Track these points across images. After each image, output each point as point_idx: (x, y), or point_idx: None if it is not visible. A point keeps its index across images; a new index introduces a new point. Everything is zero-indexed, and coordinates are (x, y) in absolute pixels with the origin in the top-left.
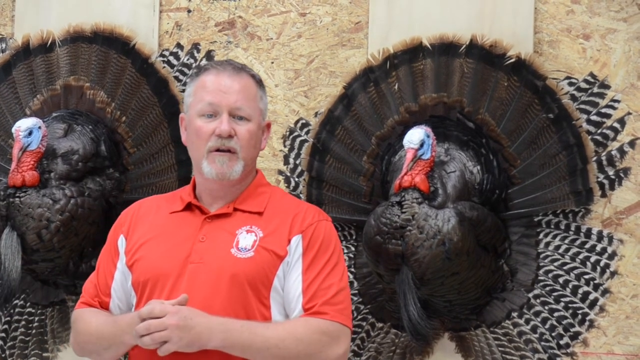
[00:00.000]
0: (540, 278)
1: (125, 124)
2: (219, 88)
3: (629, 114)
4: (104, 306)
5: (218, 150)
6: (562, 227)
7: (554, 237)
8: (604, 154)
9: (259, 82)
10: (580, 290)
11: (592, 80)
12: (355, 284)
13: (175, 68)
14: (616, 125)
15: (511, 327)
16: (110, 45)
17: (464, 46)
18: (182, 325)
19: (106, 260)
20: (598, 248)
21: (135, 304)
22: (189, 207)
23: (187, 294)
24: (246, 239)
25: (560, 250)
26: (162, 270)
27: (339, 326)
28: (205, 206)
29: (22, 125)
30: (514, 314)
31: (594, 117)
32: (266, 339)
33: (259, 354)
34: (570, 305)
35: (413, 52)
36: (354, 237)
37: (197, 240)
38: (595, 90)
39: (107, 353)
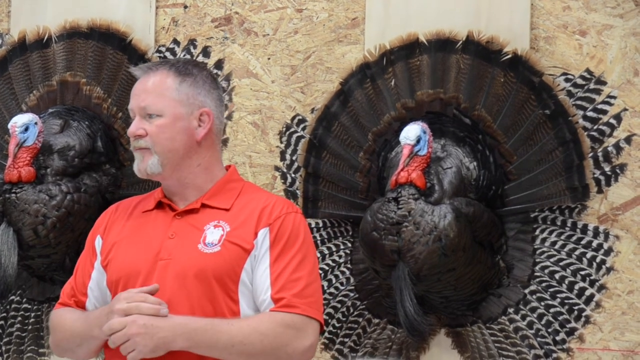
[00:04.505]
0: (536, 274)
1: (121, 120)
2: (132, 92)
3: (625, 110)
4: (80, 305)
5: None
6: (559, 223)
7: (550, 233)
8: (600, 150)
9: (183, 71)
10: (577, 287)
11: (589, 76)
12: (352, 279)
13: None
14: (612, 121)
15: (507, 323)
16: (106, 41)
17: (460, 42)
18: (142, 332)
19: (84, 260)
20: (594, 244)
21: None
22: (160, 205)
23: (158, 285)
24: (213, 234)
25: (557, 247)
26: (133, 268)
27: (305, 319)
28: (175, 204)
29: (19, 121)
30: (510, 310)
31: (590, 113)
32: (231, 336)
33: (225, 351)
34: (566, 301)
35: (409, 48)
36: (350, 233)
37: (167, 237)
38: (592, 86)
39: (81, 350)
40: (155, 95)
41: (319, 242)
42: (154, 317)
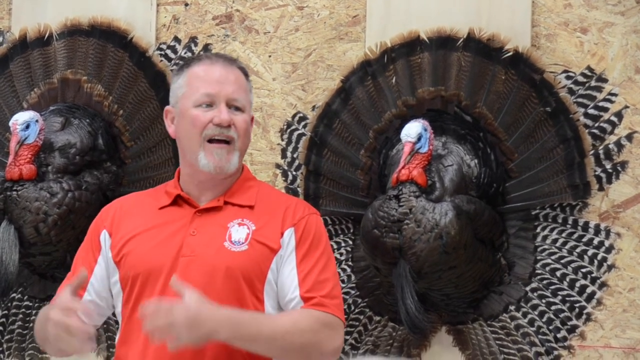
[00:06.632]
0: (537, 271)
1: (122, 118)
2: (215, 78)
3: (626, 107)
4: None
5: (214, 139)
6: (560, 220)
7: (552, 230)
8: (601, 147)
9: (247, 75)
10: (578, 284)
11: (590, 73)
12: (353, 277)
13: (172, 62)
14: (613, 118)
15: (508, 320)
16: (107, 38)
17: (461, 40)
18: (190, 323)
19: (85, 255)
20: (595, 241)
21: (123, 299)
22: (176, 201)
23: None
24: (239, 232)
25: (558, 244)
26: (153, 264)
27: (337, 319)
28: (193, 199)
29: (20, 118)
30: (512, 308)
31: (591, 111)
32: (273, 330)
33: (266, 345)
34: (567, 298)
35: (410, 46)
36: (351, 231)
37: (188, 234)
38: (593, 83)
39: (49, 347)
40: (242, 91)
41: None
42: (202, 307)
